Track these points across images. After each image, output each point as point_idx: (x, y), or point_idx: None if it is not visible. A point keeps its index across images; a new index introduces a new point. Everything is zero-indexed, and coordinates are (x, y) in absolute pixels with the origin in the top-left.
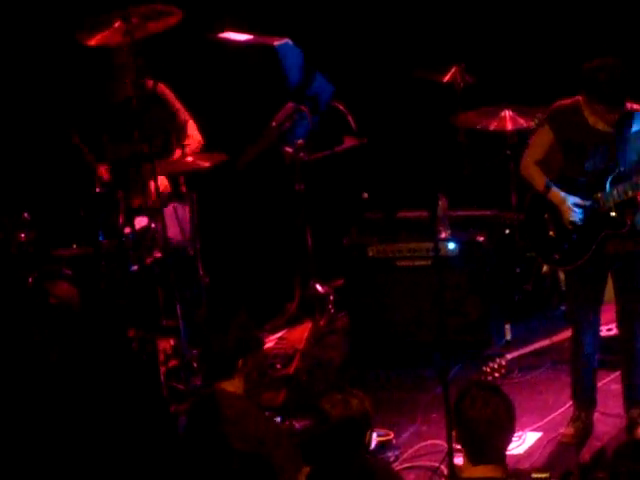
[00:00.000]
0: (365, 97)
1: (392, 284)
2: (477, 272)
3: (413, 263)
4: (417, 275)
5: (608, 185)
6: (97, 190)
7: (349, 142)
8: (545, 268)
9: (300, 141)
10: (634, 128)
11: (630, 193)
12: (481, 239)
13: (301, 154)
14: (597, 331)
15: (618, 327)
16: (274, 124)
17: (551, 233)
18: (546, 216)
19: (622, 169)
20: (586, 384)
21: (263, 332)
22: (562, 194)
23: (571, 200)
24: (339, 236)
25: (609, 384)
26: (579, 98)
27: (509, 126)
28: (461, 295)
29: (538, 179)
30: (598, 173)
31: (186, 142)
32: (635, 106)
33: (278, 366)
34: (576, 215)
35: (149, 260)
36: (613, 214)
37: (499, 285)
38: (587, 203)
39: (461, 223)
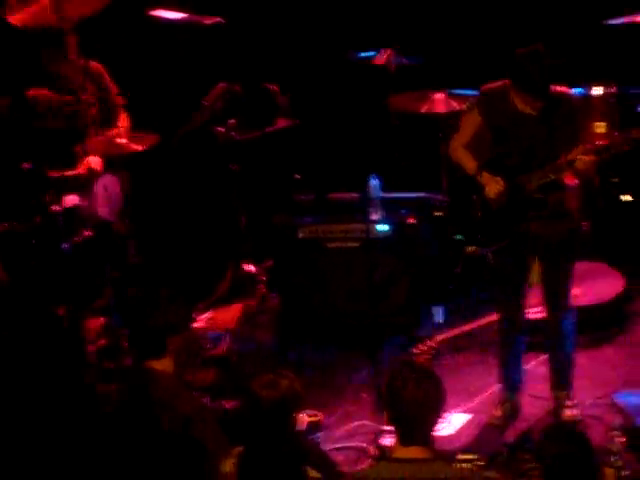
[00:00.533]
0: (298, 78)
1: (323, 265)
2: (408, 254)
3: (344, 244)
4: (348, 256)
5: (533, 167)
6: (25, 166)
7: (282, 123)
8: (471, 249)
9: (232, 121)
10: (560, 111)
11: (553, 175)
12: (412, 221)
13: (233, 134)
14: (523, 313)
15: (545, 310)
16: (206, 104)
17: (477, 214)
18: (473, 198)
19: (547, 152)
20: (513, 366)
21: (194, 312)
22: (489, 176)
23: (497, 182)
24: (270, 217)
25: (537, 366)
26: (507, 82)
27: (441, 109)
28: (391, 277)
29: (467, 162)
30: (524, 156)
31: (118, 124)
32: (559, 88)
33: (208, 346)
34: (501, 197)
35: (79, 238)
36: (537, 196)
37: (429, 267)
38: (512, 185)
39: (392, 205)
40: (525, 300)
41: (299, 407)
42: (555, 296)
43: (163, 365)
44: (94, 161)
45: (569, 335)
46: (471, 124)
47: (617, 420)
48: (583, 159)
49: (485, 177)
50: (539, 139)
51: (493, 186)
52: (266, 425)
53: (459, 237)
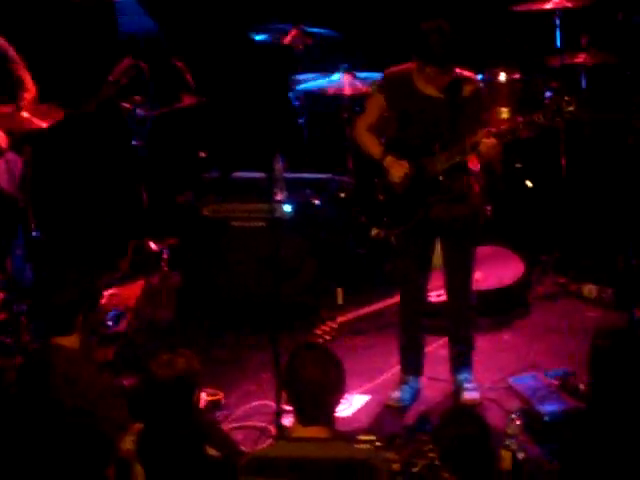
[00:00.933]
0: (205, 56)
1: (227, 244)
2: (312, 235)
3: (248, 224)
4: (252, 236)
5: (437, 150)
6: None
7: (188, 100)
8: (374, 232)
9: (137, 97)
10: (464, 94)
11: (458, 158)
12: (317, 202)
13: (138, 110)
14: (425, 296)
15: (446, 293)
16: (111, 79)
17: (380, 197)
18: (376, 180)
19: (451, 135)
20: (414, 349)
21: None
22: (393, 159)
23: (401, 165)
24: (175, 194)
25: (436, 349)
26: (411, 65)
27: (347, 90)
28: (295, 257)
29: (372, 146)
30: (428, 138)
31: (24, 96)
32: (465, 73)
33: (109, 323)
34: (406, 180)
35: None
36: (441, 179)
37: (333, 248)
38: (417, 168)
39: (297, 185)
40: (427, 283)
41: (197, 386)
42: (457, 279)
43: (70, 342)
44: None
45: (470, 319)
46: (375, 107)
47: (514, 403)
48: (486, 142)
49: (389, 161)
50: (443, 122)
51: (397, 169)
52: (164, 403)
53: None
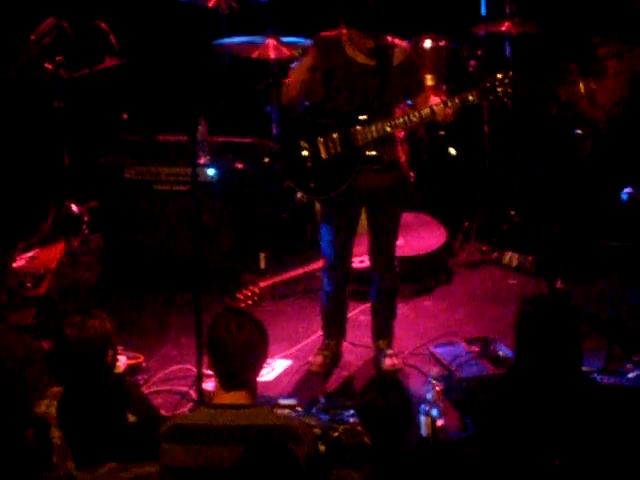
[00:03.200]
0: (128, 17)
1: (149, 207)
2: (235, 199)
3: (171, 187)
4: (175, 199)
5: (366, 120)
6: None
7: (110, 62)
8: (299, 196)
9: (60, 57)
10: (396, 62)
11: (388, 129)
12: (240, 166)
13: (61, 71)
14: (348, 262)
15: (370, 260)
16: (33, 38)
17: (307, 163)
18: (302, 144)
19: (380, 103)
20: (336, 314)
21: (15, 250)
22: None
23: (327, 133)
24: (96, 156)
25: (358, 315)
26: (341, 31)
27: (272, 54)
28: (218, 221)
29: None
30: (357, 106)
31: None
32: (397, 40)
33: (29, 285)
34: (334, 147)
35: None
36: (371, 151)
37: (256, 213)
38: (345, 136)
39: (221, 149)
40: (351, 249)
41: (110, 347)
42: (381, 246)
43: None
44: None
45: (393, 286)
46: (304, 70)
47: (434, 370)
48: (441, 108)
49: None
50: (372, 89)
51: (326, 143)
52: (77, 365)
53: (288, 184)
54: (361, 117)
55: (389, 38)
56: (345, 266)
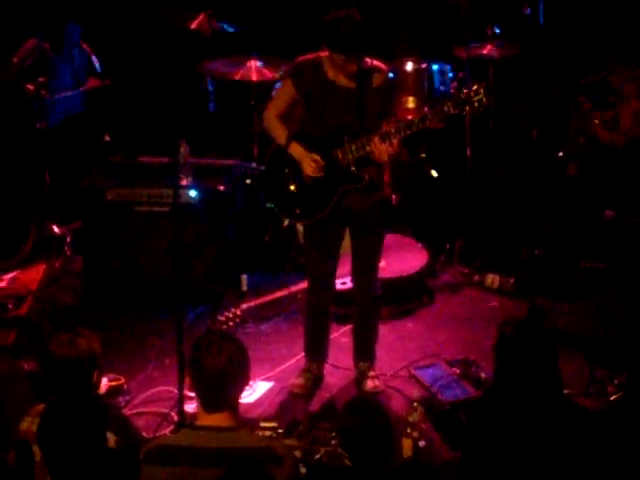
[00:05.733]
0: (111, 38)
1: (130, 229)
2: (217, 221)
3: (152, 209)
4: (156, 221)
5: (346, 141)
6: None
7: (92, 82)
8: (286, 222)
9: (42, 78)
10: (373, 84)
11: (368, 148)
12: (222, 188)
13: (42, 92)
14: (332, 284)
15: (352, 281)
16: (15, 60)
17: (292, 188)
18: (287, 170)
19: (360, 124)
20: (318, 336)
21: None
22: (302, 149)
23: (312, 158)
24: (78, 177)
25: (340, 337)
26: (321, 54)
27: (254, 76)
28: (200, 243)
29: (279, 133)
30: (338, 128)
31: None
32: (376, 62)
33: (10, 306)
34: (315, 170)
35: None
36: (352, 169)
37: (238, 235)
38: (327, 159)
39: (203, 171)
40: (335, 270)
41: (96, 366)
42: (363, 268)
43: None
44: None
45: (375, 307)
46: (285, 94)
47: (416, 392)
48: (376, 145)
49: (297, 150)
50: (352, 111)
51: (309, 163)
52: (63, 383)
53: (270, 206)
54: (342, 139)
55: (368, 60)
56: (329, 287)
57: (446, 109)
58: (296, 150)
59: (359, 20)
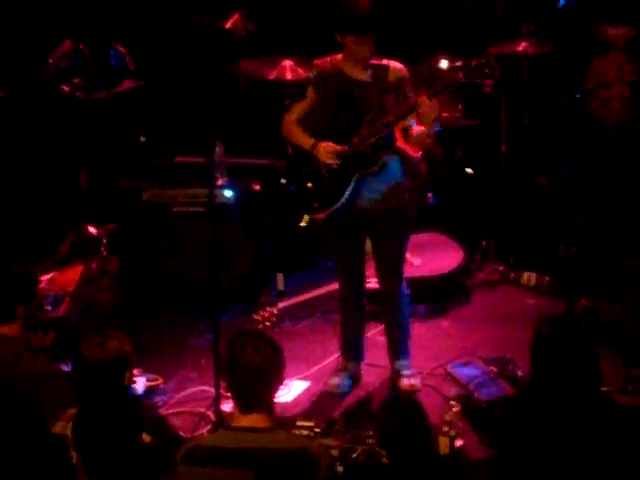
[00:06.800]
0: (145, 39)
1: (167, 229)
2: (252, 220)
3: (188, 209)
4: (192, 221)
5: (364, 126)
6: None
7: (127, 84)
8: (304, 222)
9: (77, 80)
10: (390, 79)
11: (383, 131)
12: (257, 187)
13: (78, 93)
14: (362, 283)
15: (379, 282)
16: (51, 61)
17: (309, 184)
18: (304, 170)
19: (377, 114)
20: (353, 336)
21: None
22: (321, 144)
23: (328, 145)
24: (115, 178)
25: (376, 335)
26: (337, 55)
27: (289, 76)
28: (236, 243)
29: (302, 138)
30: (355, 120)
31: None
32: (392, 62)
33: (48, 308)
34: (330, 156)
35: None
36: (367, 154)
37: (273, 234)
38: (344, 147)
39: (238, 171)
40: (364, 270)
41: (128, 368)
42: (386, 273)
43: (11, 330)
44: None
45: (403, 306)
46: (308, 98)
47: (452, 390)
48: (417, 130)
49: (317, 149)
50: (370, 103)
51: (324, 148)
52: (97, 386)
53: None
54: (359, 127)
55: (385, 60)
56: (357, 288)
57: (457, 77)
58: (318, 148)
59: (365, 2)
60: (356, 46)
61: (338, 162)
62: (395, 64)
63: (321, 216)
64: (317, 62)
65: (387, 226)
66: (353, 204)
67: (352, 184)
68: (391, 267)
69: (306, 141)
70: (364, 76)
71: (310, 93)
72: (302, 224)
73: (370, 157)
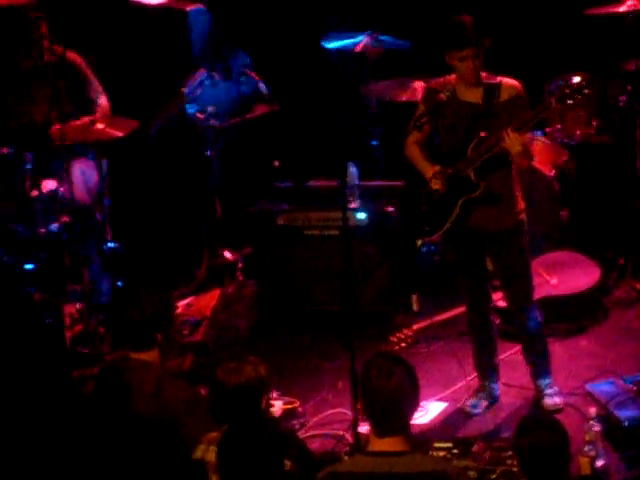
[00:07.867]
0: (277, 64)
1: (301, 253)
2: (386, 242)
3: (322, 232)
4: (326, 244)
5: (470, 150)
6: (4, 151)
7: (260, 109)
8: (419, 243)
9: (211, 108)
10: (501, 98)
11: (486, 154)
12: (390, 209)
13: (212, 120)
14: (488, 302)
15: (507, 303)
16: (184, 90)
17: (423, 208)
18: (420, 191)
19: (487, 134)
20: (486, 354)
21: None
22: (430, 166)
23: (435, 168)
24: (249, 204)
25: (512, 356)
26: (449, 77)
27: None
28: (369, 265)
29: (423, 165)
30: (463, 142)
31: (97, 109)
32: (505, 79)
33: (185, 332)
34: (438, 182)
35: (56, 224)
36: (471, 177)
37: (407, 255)
38: (450, 171)
39: (371, 193)
40: (487, 288)
41: (265, 392)
42: (510, 290)
43: (150, 356)
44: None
45: (536, 328)
46: (423, 120)
47: (593, 409)
48: (509, 135)
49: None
50: (479, 126)
51: (433, 181)
52: (233, 411)
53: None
54: (466, 151)
55: (498, 78)
56: (485, 305)
57: (549, 104)
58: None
59: (466, 18)
60: (459, 63)
61: (444, 186)
62: (508, 81)
63: (432, 239)
64: (429, 83)
65: (502, 247)
66: (464, 228)
67: (457, 209)
68: (514, 287)
69: (426, 169)
70: (474, 97)
71: (420, 113)
72: (418, 244)
73: (474, 181)
